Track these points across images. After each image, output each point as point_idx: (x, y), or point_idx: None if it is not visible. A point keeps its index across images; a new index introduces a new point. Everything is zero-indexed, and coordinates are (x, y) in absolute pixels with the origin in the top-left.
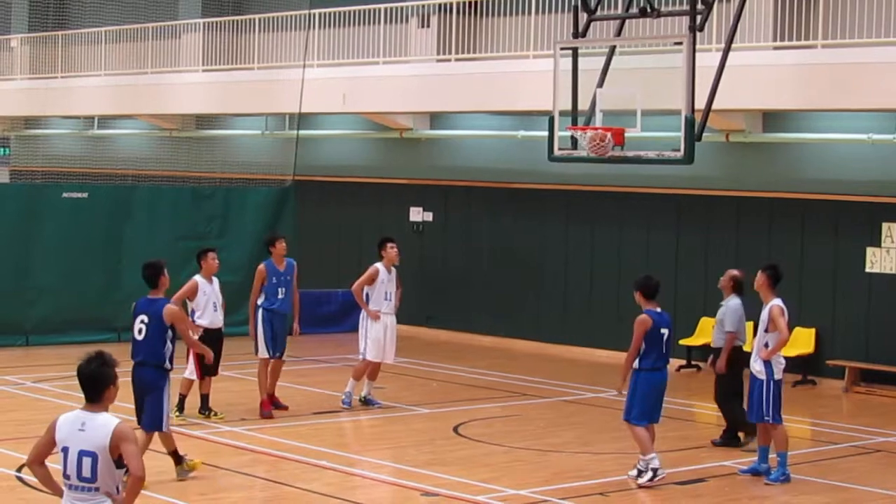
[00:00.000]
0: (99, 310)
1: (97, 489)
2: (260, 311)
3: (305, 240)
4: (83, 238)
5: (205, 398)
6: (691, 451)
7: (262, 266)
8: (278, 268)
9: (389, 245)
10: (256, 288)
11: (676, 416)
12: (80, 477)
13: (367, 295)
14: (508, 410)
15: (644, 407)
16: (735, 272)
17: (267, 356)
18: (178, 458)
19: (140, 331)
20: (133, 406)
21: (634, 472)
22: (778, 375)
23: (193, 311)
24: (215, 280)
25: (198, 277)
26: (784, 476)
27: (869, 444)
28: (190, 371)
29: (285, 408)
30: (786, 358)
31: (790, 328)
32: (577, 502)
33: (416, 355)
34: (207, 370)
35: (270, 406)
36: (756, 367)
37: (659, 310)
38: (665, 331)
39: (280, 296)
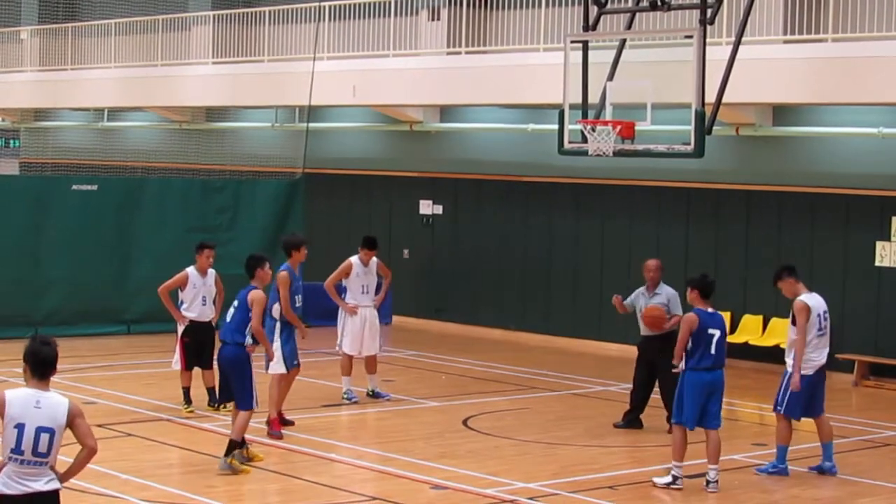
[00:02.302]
0: (108, 302)
1: (46, 463)
2: (277, 324)
3: (315, 232)
4: (93, 230)
5: (211, 391)
6: (699, 445)
7: (285, 273)
8: (296, 273)
9: (367, 250)
10: (286, 297)
11: None
12: (35, 452)
13: (345, 289)
14: (518, 403)
15: (694, 408)
16: (658, 260)
17: (285, 371)
18: (241, 443)
19: (230, 314)
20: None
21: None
22: (807, 371)
23: (182, 302)
24: (211, 274)
25: (190, 269)
26: (776, 469)
27: (878, 438)
28: (175, 361)
29: (291, 423)
30: None
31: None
32: (586, 495)
33: (425, 348)
34: (195, 362)
35: (280, 426)
36: (788, 360)
37: (710, 310)
38: (715, 331)
39: (298, 304)
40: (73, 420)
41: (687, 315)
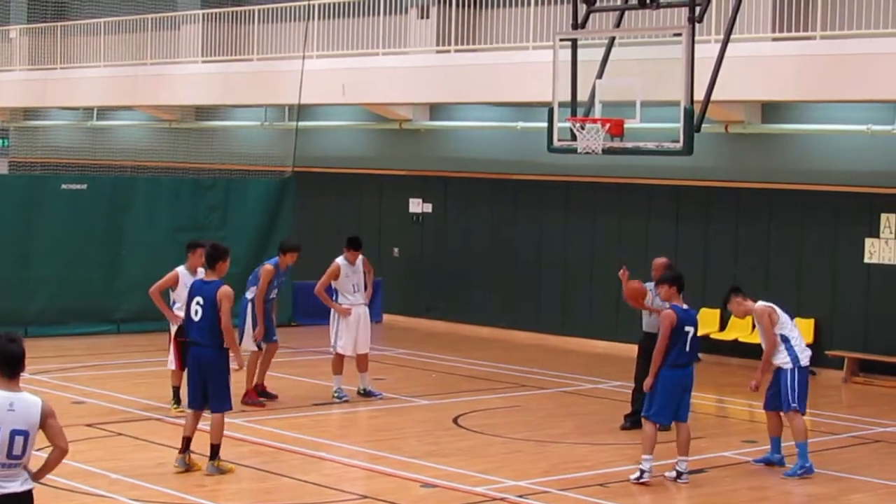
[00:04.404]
0: (98, 301)
1: (20, 465)
2: (250, 304)
3: (305, 231)
4: (82, 229)
5: None
6: (691, 442)
7: (271, 267)
8: (281, 269)
9: (353, 251)
10: (263, 289)
11: None
12: (10, 455)
13: (335, 291)
14: (508, 401)
15: (664, 403)
16: (667, 259)
17: (258, 349)
18: (213, 452)
19: (196, 312)
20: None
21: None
22: (804, 362)
23: (175, 302)
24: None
25: (180, 269)
26: (803, 469)
27: (868, 435)
28: (171, 361)
29: (275, 396)
30: None
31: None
32: (576, 493)
33: (415, 346)
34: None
35: (257, 395)
36: (779, 358)
37: (685, 306)
38: (690, 328)
39: (272, 296)
40: (45, 420)
41: (666, 312)
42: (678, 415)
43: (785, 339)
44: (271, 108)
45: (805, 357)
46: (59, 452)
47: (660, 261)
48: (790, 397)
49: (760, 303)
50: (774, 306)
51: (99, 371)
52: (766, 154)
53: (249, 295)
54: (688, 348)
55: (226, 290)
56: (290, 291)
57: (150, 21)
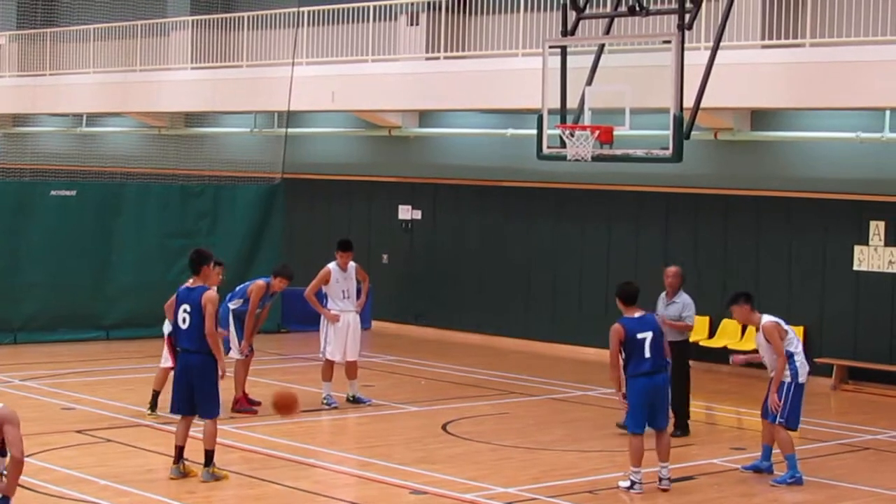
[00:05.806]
0: (87, 308)
1: None
2: (231, 314)
3: (294, 237)
4: (71, 236)
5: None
6: (679, 449)
7: (263, 283)
8: (269, 291)
9: (342, 252)
10: (255, 304)
11: None
12: None
13: (325, 296)
14: (497, 408)
15: (636, 414)
16: (678, 267)
17: (242, 357)
18: (208, 458)
19: (184, 320)
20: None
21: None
22: (802, 379)
23: None
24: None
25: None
26: (793, 478)
27: (857, 442)
28: (165, 358)
29: (258, 403)
30: None
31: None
32: (565, 500)
33: (404, 353)
34: None
35: (248, 403)
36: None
37: (637, 314)
38: (645, 335)
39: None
40: (1, 427)
41: (613, 327)
42: (655, 422)
43: (789, 355)
44: (261, 114)
45: (804, 373)
46: (13, 464)
47: (670, 269)
48: (780, 411)
49: (767, 317)
50: (780, 321)
51: (89, 377)
52: (755, 161)
53: (232, 305)
54: (647, 355)
55: (210, 294)
56: (279, 298)
57: (140, 28)
